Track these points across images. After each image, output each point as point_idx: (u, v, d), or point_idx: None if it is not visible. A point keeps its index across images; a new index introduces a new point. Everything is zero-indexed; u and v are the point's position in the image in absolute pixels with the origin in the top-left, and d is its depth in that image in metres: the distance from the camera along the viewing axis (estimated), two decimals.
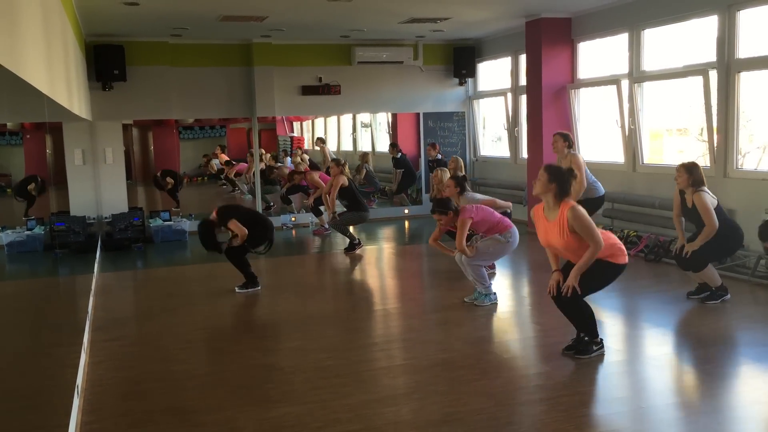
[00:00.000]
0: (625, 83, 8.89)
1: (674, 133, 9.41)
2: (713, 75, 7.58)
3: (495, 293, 6.44)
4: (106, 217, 10.52)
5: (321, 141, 14.19)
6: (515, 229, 6.42)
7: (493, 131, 12.82)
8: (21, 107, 6.40)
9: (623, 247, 4.91)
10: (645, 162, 8.82)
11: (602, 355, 4.90)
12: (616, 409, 4.12)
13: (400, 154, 12.55)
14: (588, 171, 7.91)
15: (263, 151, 12.82)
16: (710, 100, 7.60)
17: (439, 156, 11.62)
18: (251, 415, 4.09)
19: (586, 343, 4.94)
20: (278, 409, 4.17)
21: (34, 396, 4.62)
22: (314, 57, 11.59)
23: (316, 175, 11.02)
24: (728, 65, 7.40)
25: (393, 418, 4.01)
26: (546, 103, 9.87)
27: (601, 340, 4.98)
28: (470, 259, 6.25)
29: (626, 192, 8.87)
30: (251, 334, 5.93)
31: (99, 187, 10.69)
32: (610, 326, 5.79)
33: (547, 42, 9.78)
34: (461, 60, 12.13)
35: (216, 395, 4.45)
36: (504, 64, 11.69)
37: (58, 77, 4.89)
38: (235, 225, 6.96)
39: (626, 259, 4.90)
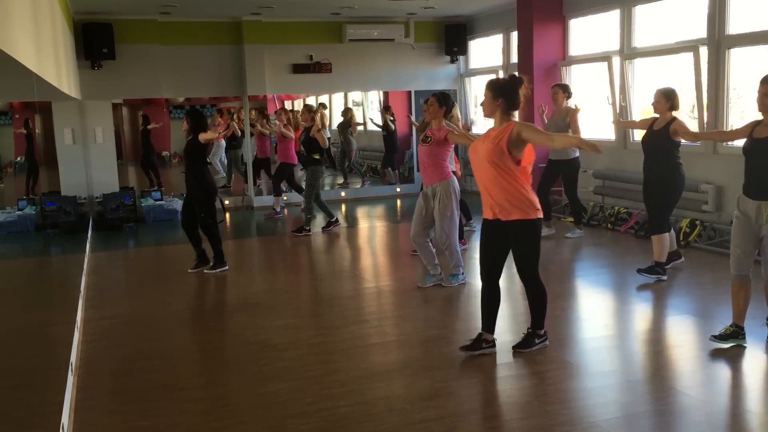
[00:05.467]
0: (616, 60, 8.89)
1: None
2: (704, 51, 7.59)
3: (464, 273, 6.30)
4: (97, 197, 10.49)
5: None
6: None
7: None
8: (8, 86, 6.35)
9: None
10: (636, 139, 8.84)
11: (545, 347, 4.62)
12: (604, 382, 4.18)
13: (392, 118, 12.52)
14: None
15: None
16: (701, 77, 7.61)
17: None
18: (244, 392, 4.13)
19: (530, 335, 4.64)
20: (271, 385, 4.21)
21: (28, 374, 4.64)
22: (305, 35, 11.52)
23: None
24: (719, 42, 7.40)
25: (385, 393, 4.06)
26: (537, 80, 9.85)
27: (545, 332, 4.68)
28: (445, 227, 6.05)
29: (617, 169, 8.91)
30: (244, 312, 5.95)
31: (89, 167, 10.64)
32: (600, 301, 5.85)
33: (538, 19, 9.74)
34: (452, 37, 12.08)
35: (209, 372, 4.48)
36: (495, 41, 11.65)
37: (47, 55, 4.86)
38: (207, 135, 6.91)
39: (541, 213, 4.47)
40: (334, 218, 9.18)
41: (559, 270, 6.89)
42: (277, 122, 10.38)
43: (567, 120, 7.93)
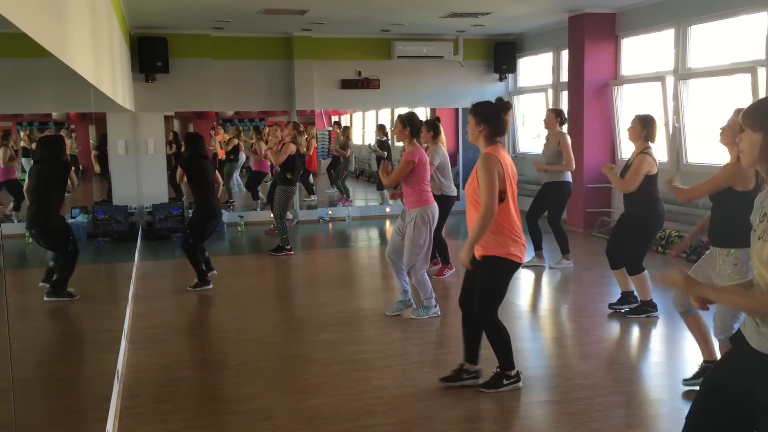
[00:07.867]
0: (670, 80, 8.72)
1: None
2: (762, 72, 7.40)
3: (437, 305, 5.91)
4: (146, 207, 10.68)
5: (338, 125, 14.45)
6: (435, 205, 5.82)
7: (533, 128, 12.69)
8: (66, 97, 6.51)
9: (521, 242, 4.16)
10: (689, 161, 8.64)
11: (517, 390, 4.26)
12: (655, 411, 4.06)
13: (385, 137, 12.54)
14: None
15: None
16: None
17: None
18: (286, 405, 4.12)
19: (498, 375, 4.27)
20: (313, 400, 4.19)
21: (76, 380, 4.71)
22: (354, 51, 11.61)
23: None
24: None
25: (428, 413, 4.01)
26: (588, 99, 9.74)
27: (518, 372, 4.30)
28: (411, 256, 5.68)
29: (669, 191, 8.69)
30: (286, 325, 5.97)
31: (140, 177, 10.87)
32: (654, 328, 5.69)
33: (590, 37, 9.64)
34: (502, 55, 12.02)
35: (251, 385, 4.49)
36: (545, 59, 11.55)
37: (104, 68, 4.97)
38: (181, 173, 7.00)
39: (521, 258, 4.16)
40: (289, 246, 8.81)
41: (605, 293, 6.74)
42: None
43: (560, 147, 7.45)
